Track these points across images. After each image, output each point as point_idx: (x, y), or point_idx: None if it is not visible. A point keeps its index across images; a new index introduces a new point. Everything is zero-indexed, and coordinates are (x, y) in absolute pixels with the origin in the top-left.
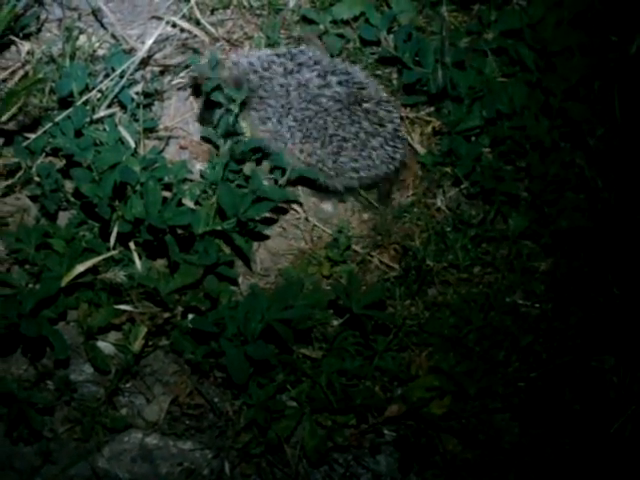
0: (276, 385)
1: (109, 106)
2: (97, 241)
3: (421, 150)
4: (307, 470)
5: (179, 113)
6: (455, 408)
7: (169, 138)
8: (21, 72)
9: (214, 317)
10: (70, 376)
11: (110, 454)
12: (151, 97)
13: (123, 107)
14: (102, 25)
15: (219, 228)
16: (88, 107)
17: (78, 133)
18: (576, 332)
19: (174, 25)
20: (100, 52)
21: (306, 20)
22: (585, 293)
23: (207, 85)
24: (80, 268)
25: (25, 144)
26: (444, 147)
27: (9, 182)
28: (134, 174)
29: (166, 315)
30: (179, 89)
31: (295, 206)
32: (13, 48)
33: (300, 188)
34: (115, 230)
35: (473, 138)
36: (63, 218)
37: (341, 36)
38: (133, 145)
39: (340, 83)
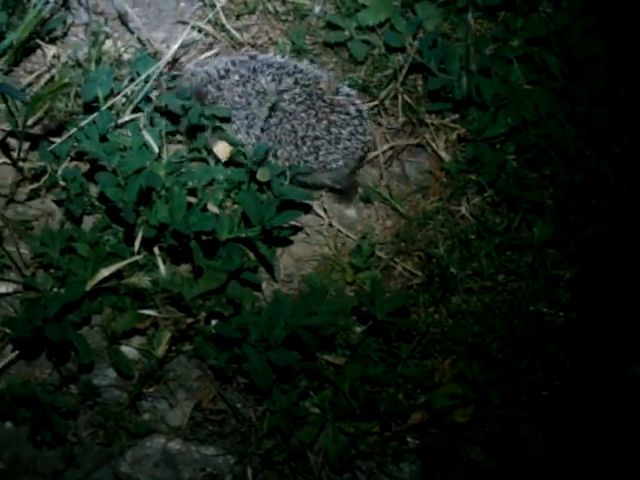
0: (299, 391)
1: (134, 111)
2: (122, 246)
3: (446, 157)
4: (330, 477)
5: None
6: (479, 416)
7: None
8: (47, 76)
9: (237, 323)
10: (94, 380)
11: (133, 459)
12: None
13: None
14: (128, 29)
15: (243, 235)
16: (113, 111)
17: (103, 138)
18: (601, 341)
19: (199, 30)
20: (126, 56)
21: (331, 26)
22: (610, 301)
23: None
24: (105, 273)
25: (50, 148)
26: (469, 154)
27: (34, 186)
28: (159, 179)
29: (190, 320)
30: None
31: (319, 212)
32: (39, 52)
33: (324, 194)
34: (140, 235)
35: (498, 145)
36: (88, 222)
37: (366, 42)
38: (156, 150)
39: (297, 83)
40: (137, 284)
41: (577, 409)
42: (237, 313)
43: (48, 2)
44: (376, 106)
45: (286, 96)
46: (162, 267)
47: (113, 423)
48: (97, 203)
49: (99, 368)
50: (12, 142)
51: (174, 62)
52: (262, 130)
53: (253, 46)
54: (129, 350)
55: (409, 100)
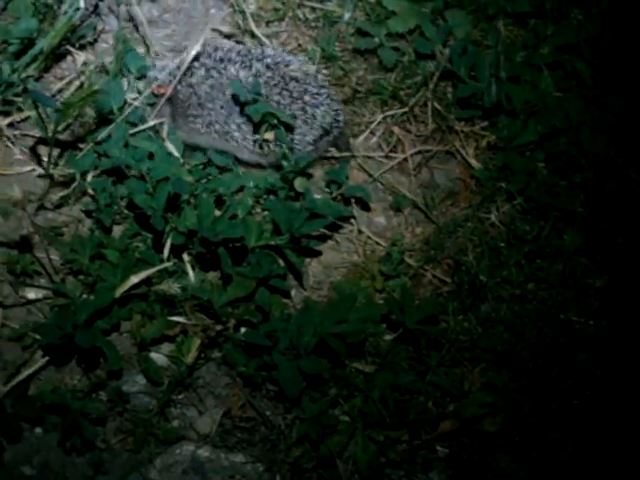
0: (329, 399)
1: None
2: (151, 252)
3: (475, 164)
4: None
5: None
6: (509, 425)
7: None
8: (77, 82)
9: (266, 330)
10: (123, 387)
11: (162, 466)
12: None
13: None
14: (157, 36)
15: (272, 243)
16: (139, 116)
17: (129, 144)
18: (631, 349)
19: (228, 36)
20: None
21: (361, 33)
22: None
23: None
24: (134, 279)
25: (79, 155)
26: (498, 162)
27: (64, 192)
28: (187, 186)
29: (219, 327)
30: None
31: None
32: (69, 58)
33: (354, 202)
34: (169, 242)
35: (528, 153)
36: (117, 229)
37: (396, 49)
38: (181, 158)
39: (268, 67)
40: (166, 291)
41: (608, 418)
42: (266, 320)
43: (79, 9)
44: (405, 113)
45: (260, 80)
46: (191, 274)
47: (142, 430)
48: (126, 210)
49: (128, 375)
50: (42, 148)
51: None
52: (241, 116)
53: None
54: (158, 357)
55: (439, 107)
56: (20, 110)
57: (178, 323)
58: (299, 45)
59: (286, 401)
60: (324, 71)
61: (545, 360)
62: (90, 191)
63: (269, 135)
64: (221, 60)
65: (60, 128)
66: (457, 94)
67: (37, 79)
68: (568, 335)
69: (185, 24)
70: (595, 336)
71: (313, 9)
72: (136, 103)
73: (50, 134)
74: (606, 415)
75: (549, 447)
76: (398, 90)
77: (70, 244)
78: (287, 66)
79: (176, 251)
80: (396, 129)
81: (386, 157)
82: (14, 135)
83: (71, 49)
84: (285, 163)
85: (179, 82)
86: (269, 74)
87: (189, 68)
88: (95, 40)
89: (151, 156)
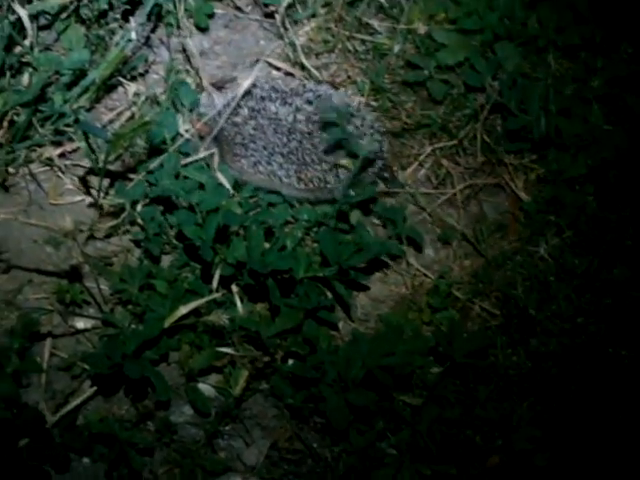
0: (376, 432)
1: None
2: (199, 283)
3: (524, 197)
4: None
5: None
6: (559, 460)
7: None
8: (127, 113)
9: (314, 362)
10: (170, 417)
11: None
12: None
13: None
14: (208, 67)
15: (320, 275)
16: (189, 148)
17: (179, 175)
18: None
19: (278, 68)
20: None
21: (410, 65)
22: None
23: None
24: (183, 310)
25: (129, 186)
26: (548, 195)
27: (113, 223)
28: (237, 217)
29: (266, 359)
30: None
31: None
32: (120, 89)
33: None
34: (217, 273)
35: (577, 186)
36: (166, 259)
37: (445, 82)
38: (231, 189)
39: (309, 102)
40: (215, 322)
41: None
42: (313, 352)
43: (130, 40)
44: (454, 145)
45: (301, 116)
46: (239, 305)
47: (189, 461)
48: (175, 241)
49: (176, 405)
50: (92, 179)
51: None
52: (283, 156)
53: (332, 84)
54: (206, 388)
55: (488, 140)
56: (71, 140)
57: (226, 354)
58: (348, 77)
59: (333, 433)
60: (373, 103)
61: (595, 395)
62: (139, 221)
63: (347, 162)
64: (262, 99)
65: (110, 158)
66: (506, 127)
67: (88, 110)
68: (618, 370)
69: (235, 56)
70: None
71: (363, 41)
72: (187, 135)
73: (100, 164)
74: None
75: None
76: (447, 122)
77: (119, 274)
78: (329, 99)
79: (225, 282)
80: (445, 162)
81: (435, 189)
82: (65, 165)
83: (122, 80)
84: (340, 195)
85: (225, 121)
86: (310, 109)
87: (236, 107)
88: (146, 71)
89: (201, 187)
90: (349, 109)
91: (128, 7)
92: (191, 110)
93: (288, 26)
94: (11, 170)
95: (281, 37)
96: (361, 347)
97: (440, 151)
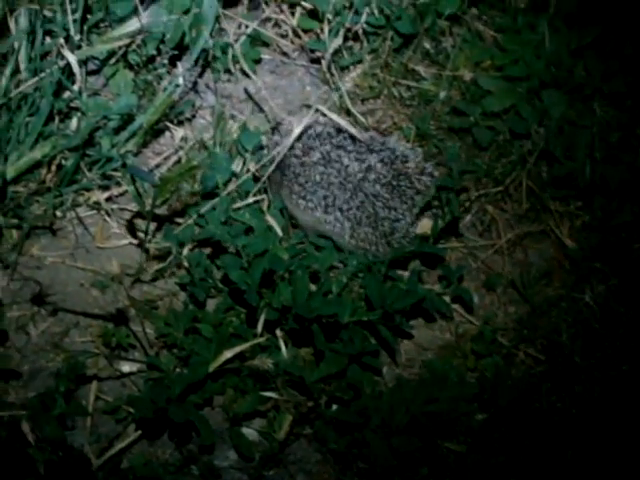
0: (420, 478)
1: (258, 192)
2: (244, 327)
3: (570, 244)
4: None
5: None
6: None
7: None
8: (174, 158)
9: (358, 407)
10: (214, 462)
11: None
12: None
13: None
14: (254, 112)
15: (365, 319)
16: (238, 193)
17: (226, 220)
18: None
19: (325, 114)
20: None
21: (456, 112)
22: None
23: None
24: (228, 354)
25: (176, 231)
26: (593, 242)
27: (160, 266)
28: (283, 262)
29: (310, 404)
30: None
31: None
32: (167, 134)
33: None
34: (262, 317)
35: (623, 234)
36: (211, 302)
37: (491, 128)
38: (280, 233)
39: (382, 161)
40: (259, 366)
41: None
42: (358, 397)
43: (178, 86)
44: (500, 192)
45: (371, 176)
46: (284, 349)
47: None
48: (220, 285)
49: (220, 449)
50: (139, 222)
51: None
52: (341, 211)
53: (377, 130)
54: (250, 432)
55: (533, 186)
56: (118, 184)
57: (270, 398)
58: (394, 123)
59: (377, 479)
60: (418, 149)
61: None
62: (185, 264)
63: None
64: (338, 147)
65: (157, 202)
66: (552, 173)
67: (135, 154)
68: None
69: (282, 101)
70: None
71: (409, 87)
72: (245, 177)
73: (147, 208)
74: None
75: None
76: (493, 169)
77: (165, 318)
78: (404, 162)
79: (269, 326)
80: (490, 208)
81: (480, 236)
82: (112, 209)
83: (169, 125)
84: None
85: (294, 157)
86: (383, 171)
87: (310, 148)
88: (193, 116)
89: (251, 229)
90: (422, 175)
91: (176, 52)
92: (253, 153)
93: (334, 72)
94: (59, 214)
95: (327, 82)
96: (405, 393)
97: (485, 197)
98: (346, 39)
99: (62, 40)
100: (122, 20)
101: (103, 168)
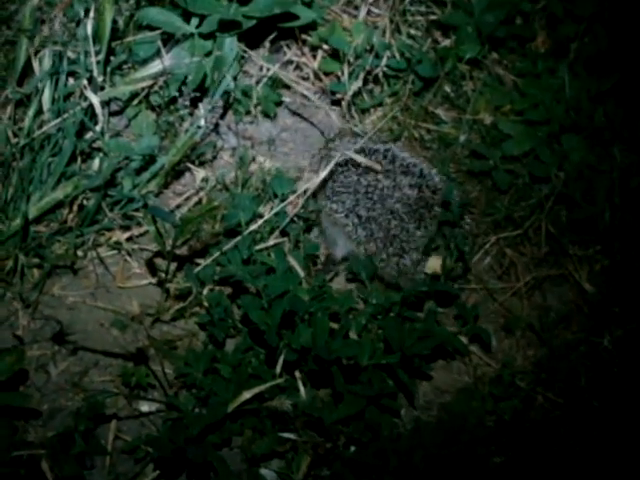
0: None
1: (280, 233)
2: (263, 368)
3: (589, 288)
4: None
5: None
6: None
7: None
8: (195, 198)
9: (376, 449)
10: None
11: None
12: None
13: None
14: (275, 154)
15: (384, 362)
16: (259, 234)
17: (247, 261)
18: None
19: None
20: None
21: (476, 155)
22: None
23: None
24: (246, 395)
25: (196, 271)
26: (612, 286)
27: (180, 306)
28: (303, 304)
29: (329, 445)
30: None
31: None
32: (188, 174)
33: None
34: (282, 358)
35: None
36: (230, 343)
37: (510, 172)
38: (302, 274)
39: (411, 186)
40: (278, 407)
41: None
42: (376, 439)
43: (200, 127)
44: (519, 235)
45: (396, 194)
46: (302, 390)
47: None
48: (240, 325)
49: None
50: (159, 262)
51: (320, 188)
52: (359, 217)
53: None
54: (268, 473)
55: (552, 230)
56: (139, 225)
57: (288, 439)
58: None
59: None
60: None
61: None
62: (205, 304)
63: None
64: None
65: (177, 243)
66: (571, 217)
67: (157, 195)
68: None
69: (302, 143)
70: None
71: (428, 130)
72: (259, 221)
73: (168, 248)
74: None
75: None
76: (512, 212)
77: (184, 358)
78: (433, 192)
79: (288, 367)
80: (509, 251)
81: (499, 278)
82: (132, 249)
83: (190, 166)
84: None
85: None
86: (409, 192)
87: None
88: (214, 157)
89: (272, 270)
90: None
91: (197, 94)
92: (283, 200)
93: (355, 114)
94: (80, 253)
95: (347, 123)
96: (423, 435)
97: (504, 240)
98: (366, 82)
99: (85, 81)
100: (145, 62)
101: (124, 208)
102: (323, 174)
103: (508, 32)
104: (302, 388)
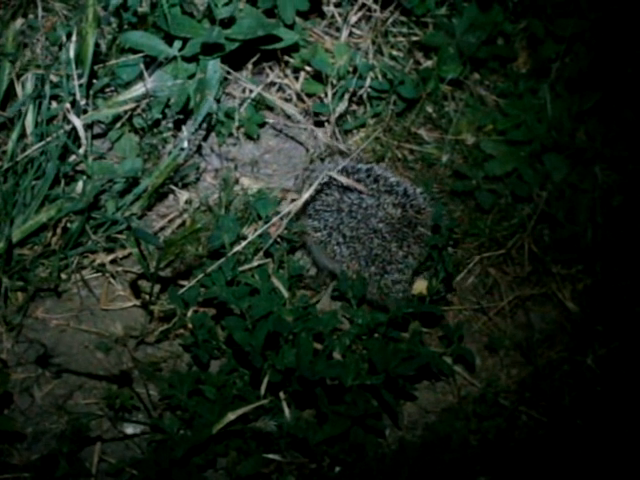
0: None
1: (264, 254)
2: (248, 389)
3: (572, 307)
4: None
5: None
6: None
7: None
8: (178, 220)
9: (361, 469)
10: None
11: None
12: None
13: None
14: (258, 176)
15: (368, 382)
16: (243, 255)
17: (231, 282)
18: None
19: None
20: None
21: (458, 175)
22: None
23: None
24: (231, 416)
25: (180, 293)
26: (595, 305)
27: (164, 328)
28: (287, 324)
29: (313, 466)
30: None
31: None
32: (171, 197)
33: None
34: (266, 379)
35: (625, 297)
36: (215, 364)
37: (493, 192)
38: (286, 295)
39: (395, 205)
40: (263, 428)
41: None
42: (361, 459)
43: (183, 149)
44: (502, 255)
45: (379, 213)
46: (287, 411)
47: None
48: (224, 346)
49: None
50: (143, 284)
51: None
52: (343, 236)
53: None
54: None
55: (535, 249)
56: (123, 247)
57: (273, 460)
58: None
59: None
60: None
61: None
62: (189, 325)
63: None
64: (358, 181)
65: (161, 265)
66: (554, 237)
67: (140, 217)
68: None
69: (285, 164)
70: None
71: (411, 151)
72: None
73: (152, 270)
74: None
75: None
76: (495, 232)
77: (169, 379)
78: (416, 212)
79: (273, 388)
80: (493, 271)
81: (482, 298)
82: (116, 271)
83: (174, 188)
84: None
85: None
86: (392, 211)
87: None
88: (197, 179)
89: (256, 291)
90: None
91: (180, 117)
92: (267, 221)
93: (338, 136)
94: (64, 276)
95: (331, 146)
96: (408, 455)
97: (488, 260)
98: (350, 103)
99: (68, 104)
100: (128, 85)
101: (108, 231)
102: (306, 195)
103: (489, 53)
104: (287, 409)
